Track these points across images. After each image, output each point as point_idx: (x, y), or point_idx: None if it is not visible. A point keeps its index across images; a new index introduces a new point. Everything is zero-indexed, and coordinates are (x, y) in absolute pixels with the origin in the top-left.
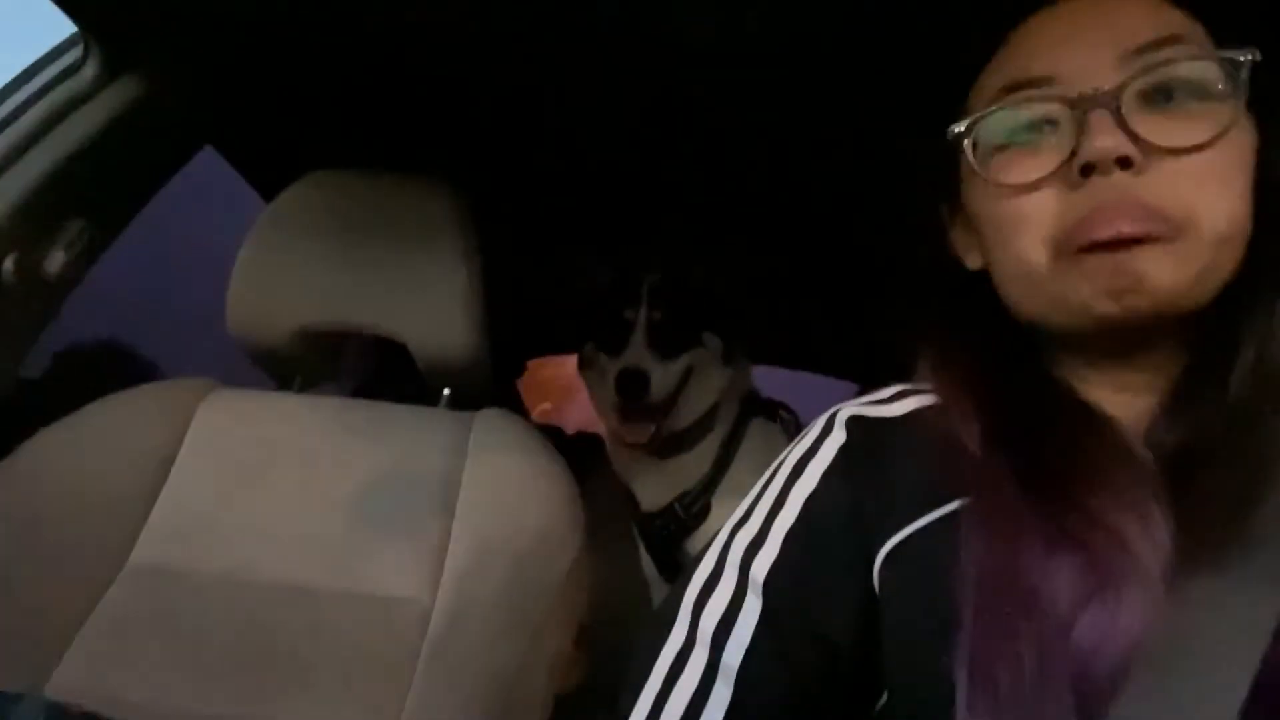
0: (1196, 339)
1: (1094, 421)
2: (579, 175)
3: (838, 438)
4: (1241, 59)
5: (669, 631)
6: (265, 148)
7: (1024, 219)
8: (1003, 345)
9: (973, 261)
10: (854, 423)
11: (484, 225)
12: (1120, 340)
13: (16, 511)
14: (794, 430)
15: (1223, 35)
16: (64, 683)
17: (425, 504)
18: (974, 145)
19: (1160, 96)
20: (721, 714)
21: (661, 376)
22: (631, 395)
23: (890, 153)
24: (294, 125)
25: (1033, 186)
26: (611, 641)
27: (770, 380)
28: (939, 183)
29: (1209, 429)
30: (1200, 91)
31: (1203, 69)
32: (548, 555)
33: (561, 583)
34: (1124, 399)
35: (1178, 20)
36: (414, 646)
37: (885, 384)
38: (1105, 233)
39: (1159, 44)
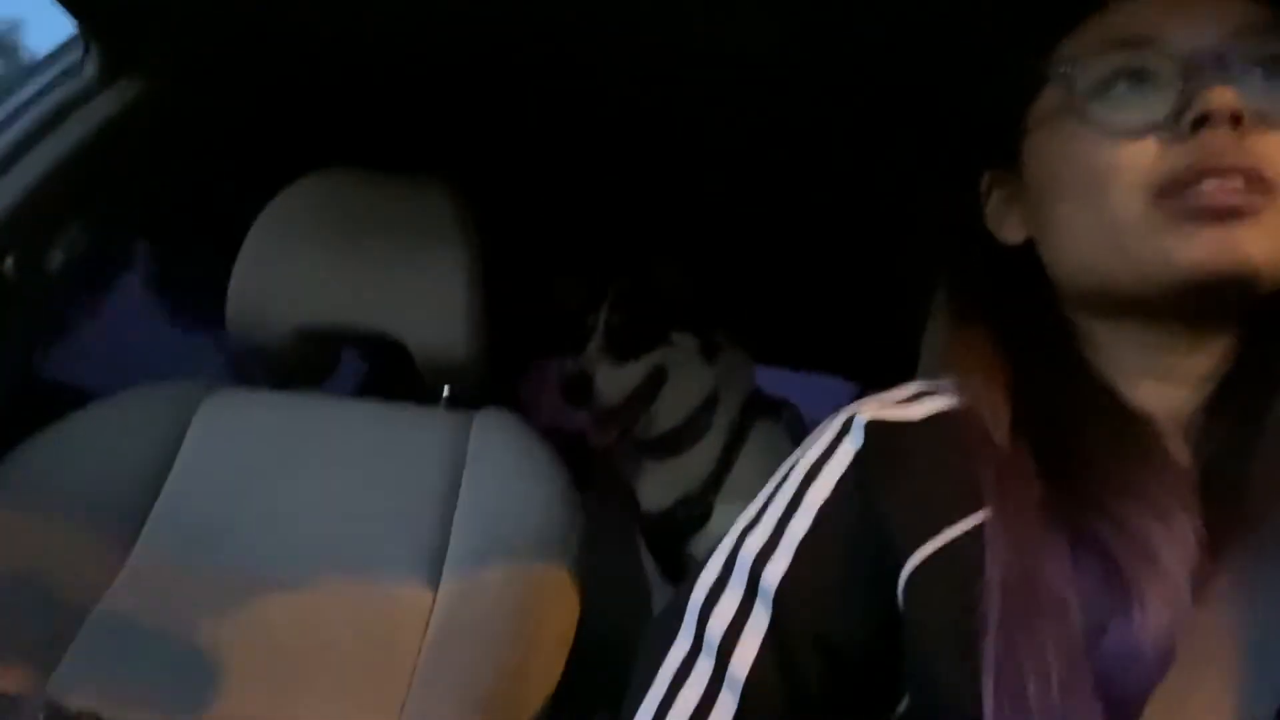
0: (1251, 336)
1: (1127, 420)
2: (580, 174)
3: (855, 441)
4: None
5: (674, 636)
6: (265, 147)
7: (1121, 166)
8: (1038, 332)
9: (1012, 234)
10: (872, 427)
11: (484, 225)
12: (1184, 316)
13: (17, 511)
14: (798, 429)
15: None
16: (64, 682)
17: (424, 504)
18: (1070, 87)
19: (1264, 70)
20: None
21: (611, 380)
22: (575, 400)
23: (895, 145)
24: (294, 125)
25: (1138, 133)
26: (611, 642)
27: (770, 381)
28: (988, 148)
29: (1254, 429)
30: None
31: None
32: (547, 555)
33: (561, 582)
34: (1167, 391)
35: (1267, 13)
36: (414, 646)
37: (886, 383)
38: (1213, 182)
39: (1256, 28)
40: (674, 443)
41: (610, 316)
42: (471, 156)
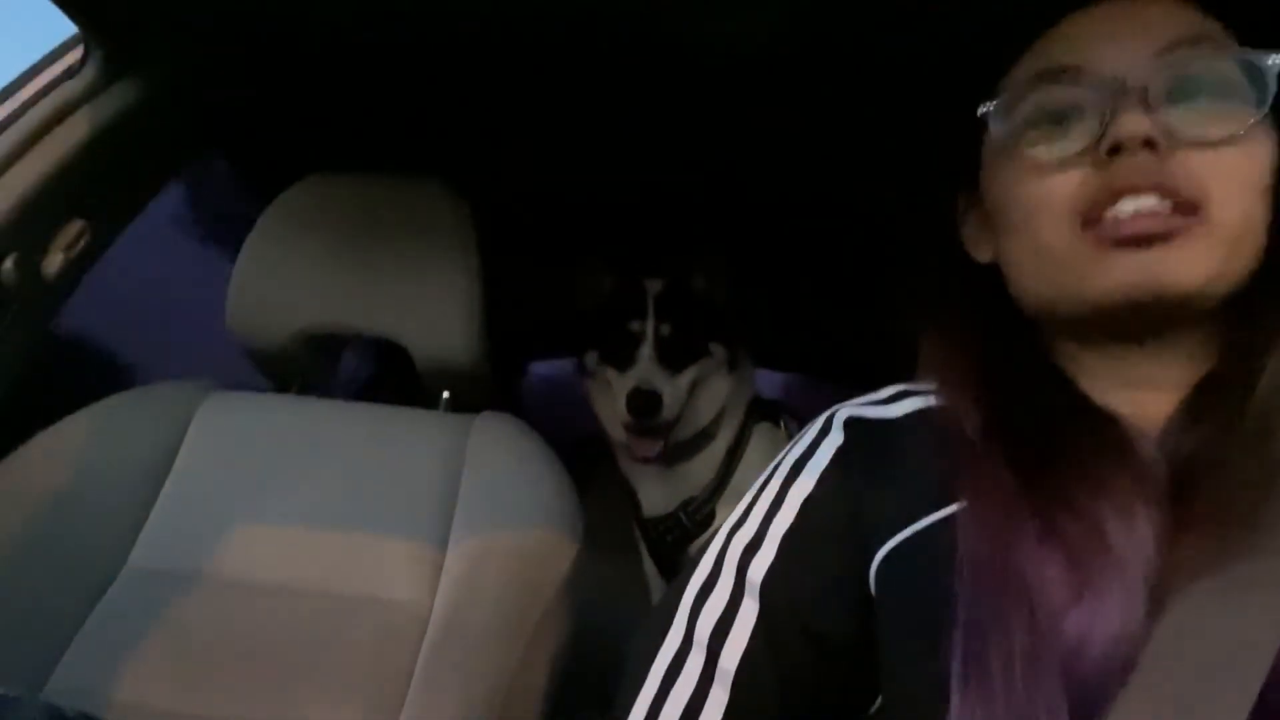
0: (1223, 343)
1: (1093, 420)
2: (580, 177)
3: (835, 439)
4: (1268, 63)
5: (665, 634)
6: (265, 149)
7: (1048, 197)
8: (1007, 339)
9: (983, 254)
10: (852, 424)
11: (484, 227)
12: (1125, 334)
13: (16, 512)
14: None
15: (1249, 42)
16: (62, 684)
17: (424, 506)
18: (1004, 126)
19: (1185, 92)
20: (719, 717)
21: (672, 394)
22: (644, 415)
23: (893, 156)
24: (294, 126)
25: (1060, 166)
26: (611, 644)
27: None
28: (958, 172)
29: (1226, 433)
30: (1225, 91)
31: (1228, 69)
32: (546, 557)
33: (560, 585)
34: (1138, 396)
35: (1206, 23)
36: (413, 648)
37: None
38: (1128, 207)
39: (1187, 42)
40: (686, 451)
41: (659, 326)
42: (472, 159)
